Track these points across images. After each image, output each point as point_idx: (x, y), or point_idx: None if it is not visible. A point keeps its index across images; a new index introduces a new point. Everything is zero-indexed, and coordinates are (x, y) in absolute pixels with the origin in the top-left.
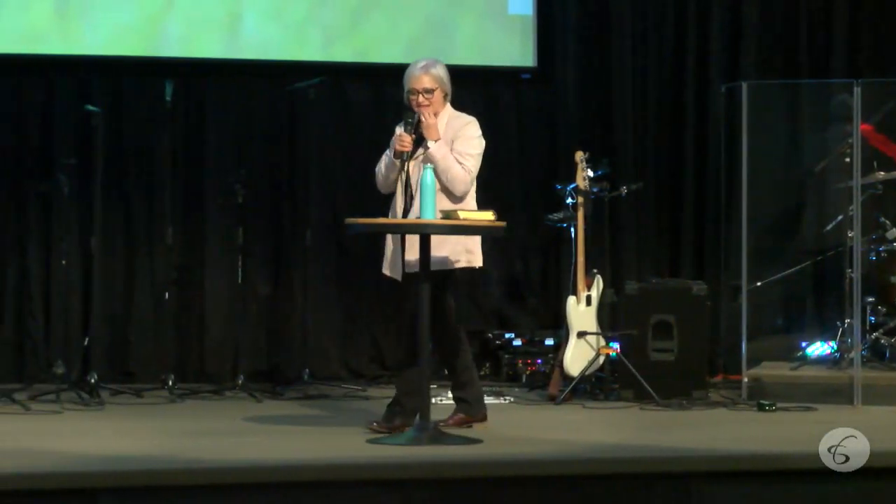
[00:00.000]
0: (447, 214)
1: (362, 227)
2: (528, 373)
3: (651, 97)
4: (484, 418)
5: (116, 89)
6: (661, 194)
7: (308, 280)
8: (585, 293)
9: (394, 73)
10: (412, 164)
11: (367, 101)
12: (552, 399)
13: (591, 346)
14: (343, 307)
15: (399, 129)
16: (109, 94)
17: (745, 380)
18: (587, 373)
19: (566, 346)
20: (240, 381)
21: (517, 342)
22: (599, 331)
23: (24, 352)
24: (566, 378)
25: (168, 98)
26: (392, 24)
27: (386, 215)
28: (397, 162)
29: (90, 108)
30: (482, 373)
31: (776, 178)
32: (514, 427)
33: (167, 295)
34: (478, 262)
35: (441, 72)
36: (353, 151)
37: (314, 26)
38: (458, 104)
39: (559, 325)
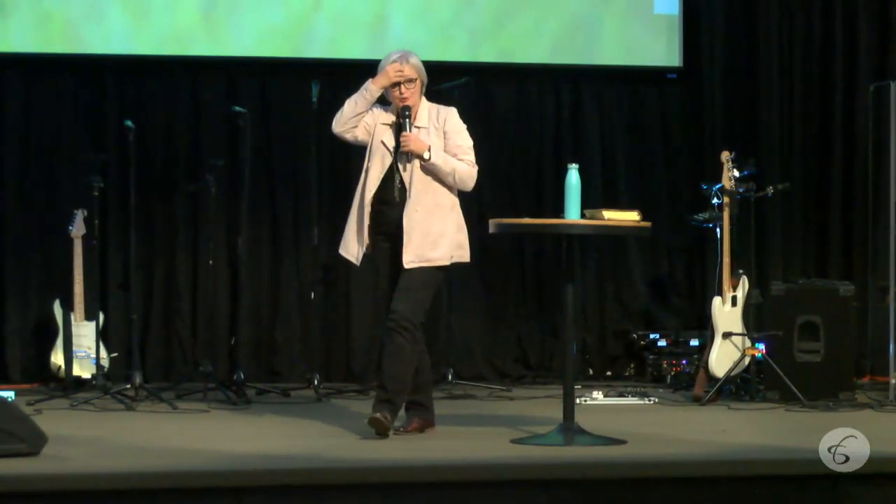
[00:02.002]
0: (591, 214)
1: (508, 227)
2: (672, 373)
3: (798, 96)
4: (432, 424)
5: (263, 90)
6: (807, 194)
7: (452, 280)
8: (731, 294)
9: (538, 74)
10: (401, 157)
11: (512, 102)
12: (697, 400)
13: (737, 347)
14: (487, 307)
15: (382, 117)
16: (256, 95)
17: (893, 381)
18: (732, 373)
19: (711, 346)
20: None
21: (662, 343)
22: (745, 331)
23: (172, 351)
24: (711, 379)
25: (314, 99)
26: (537, 25)
27: (532, 215)
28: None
29: (237, 108)
30: (626, 373)
31: None
32: (659, 427)
33: (313, 294)
34: (467, 257)
35: (418, 62)
36: (497, 151)
37: (459, 27)
38: (604, 103)
39: (704, 326)
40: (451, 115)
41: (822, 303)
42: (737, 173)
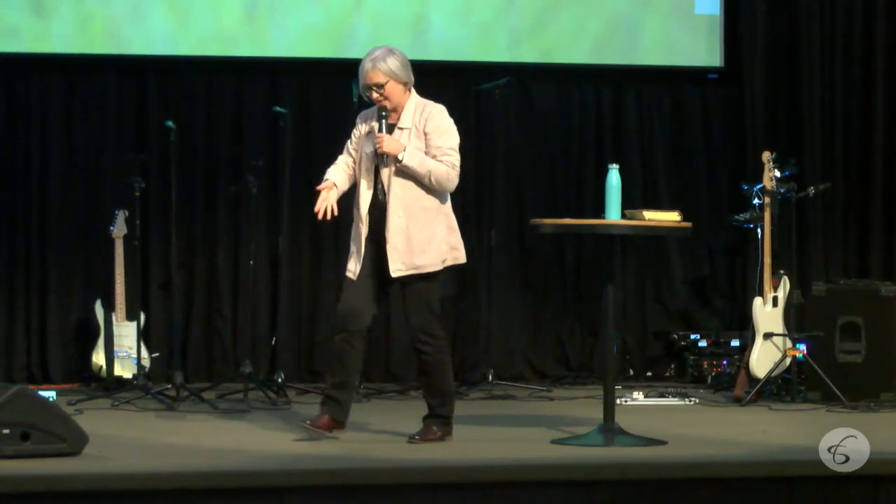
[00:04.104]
0: (632, 215)
1: (549, 228)
2: (713, 374)
3: (839, 96)
4: (449, 434)
5: (304, 90)
6: (849, 195)
7: (493, 280)
8: (772, 294)
9: (579, 74)
10: (381, 161)
11: (553, 102)
12: (738, 400)
13: (778, 348)
14: (528, 307)
15: (364, 127)
16: (297, 96)
17: None
18: (773, 374)
19: (752, 347)
20: None
21: (703, 343)
22: (786, 332)
23: (213, 351)
24: (752, 379)
25: (355, 99)
26: (578, 25)
27: (573, 215)
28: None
29: (278, 109)
30: (667, 374)
31: None
32: (699, 428)
33: None
34: (462, 258)
35: (392, 63)
36: (538, 151)
37: (500, 27)
38: (645, 104)
39: (745, 327)
40: (435, 114)
41: (864, 303)
42: (778, 174)
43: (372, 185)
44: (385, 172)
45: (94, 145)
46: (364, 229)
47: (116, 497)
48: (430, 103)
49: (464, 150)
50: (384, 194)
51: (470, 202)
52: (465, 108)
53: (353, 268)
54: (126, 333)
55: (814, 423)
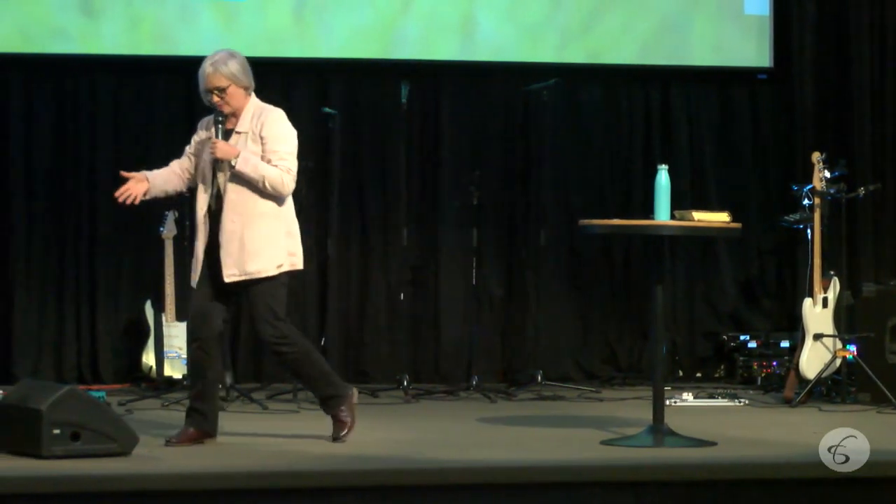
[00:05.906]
0: (681, 216)
1: (597, 228)
2: (763, 375)
3: (889, 97)
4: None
5: (353, 91)
6: None
7: (541, 281)
8: (822, 295)
9: (627, 75)
10: (217, 166)
11: (601, 103)
12: (787, 401)
13: (828, 349)
14: (576, 308)
15: (203, 133)
16: (346, 97)
17: None
18: (823, 375)
19: (802, 348)
20: (474, 382)
21: (752, 344)
22: (836, 333)
23: (262, 351)
24: (802, 380)
25: (404, 100)
26: (626, 26)
27: (620, 216)
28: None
29: (327, 110)
30: (716, 375)
31: None
32: (749, 429)
33: (402, 295)
34: (300, 264)
35: (233, 67)
36: (586, 152)
37: (549, 28)
38: (693, 104)
39: (795, 328)
40: (270, 119)
41: None
42: (828, 174)
43: (208, 190)
44: (220, 178)
45: (142, 146)
46: (202, 235)
47: (166, 497)
48: (269, 108)
49: (512, 151)
50: (219, 200)
51: (518, 203)
52: (512, 109)
53: (195, 274)
54: (176, 334)
55: (864, 424)
